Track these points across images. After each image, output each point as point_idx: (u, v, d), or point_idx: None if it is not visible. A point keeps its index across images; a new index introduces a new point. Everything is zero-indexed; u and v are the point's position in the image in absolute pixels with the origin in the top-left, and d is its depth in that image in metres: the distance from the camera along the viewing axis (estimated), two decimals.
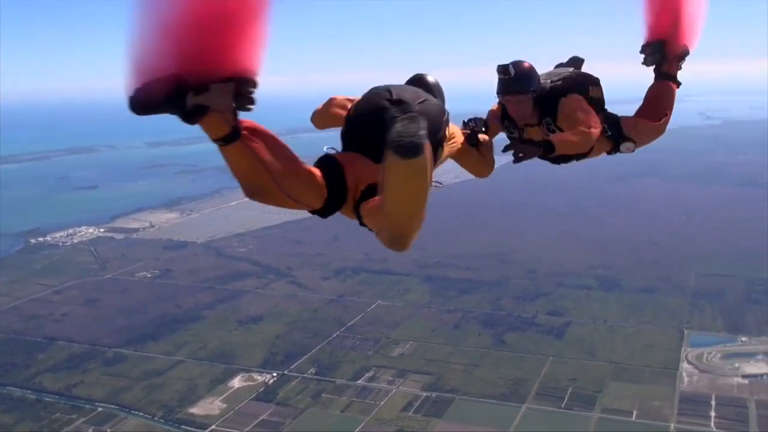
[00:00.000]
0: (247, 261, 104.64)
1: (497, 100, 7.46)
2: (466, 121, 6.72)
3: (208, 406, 61.75)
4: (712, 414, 58.40)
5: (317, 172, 4.89)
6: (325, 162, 5.06)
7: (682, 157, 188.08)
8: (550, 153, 6.56)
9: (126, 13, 3.42)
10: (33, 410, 61.74)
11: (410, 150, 3.93)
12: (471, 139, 6.33)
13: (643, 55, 7.80)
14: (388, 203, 4.38)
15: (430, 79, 5.82)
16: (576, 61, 8.03)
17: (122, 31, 3.48)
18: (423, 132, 4.00)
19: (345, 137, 5.40)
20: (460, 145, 6.08)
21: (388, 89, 5.23)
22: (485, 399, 61.68)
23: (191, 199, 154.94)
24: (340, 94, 6.03)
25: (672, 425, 56.72)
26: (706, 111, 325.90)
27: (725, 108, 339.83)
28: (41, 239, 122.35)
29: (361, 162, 5.10)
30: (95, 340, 76.09)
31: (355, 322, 79.46)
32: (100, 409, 61.86)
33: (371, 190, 4.92)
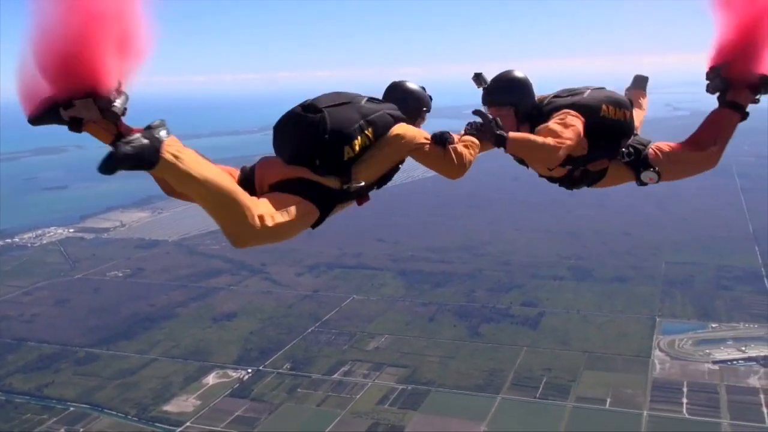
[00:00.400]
0: (220, 258, 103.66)
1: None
2: (469, 123, 6.37)
3: (183, 404, 61.19)
4: (684, 400, 59.08)
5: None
6: (247, 169, 5.60)
7: None
8: (500, 145, 6.02)
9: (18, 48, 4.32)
10: (3, 411, 60.73)
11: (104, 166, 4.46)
12: (436, 138, 6.09)
13: (707, 81, 6.92)
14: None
15: (409, 85, 6.26)
16: (639, 80, 7.71)
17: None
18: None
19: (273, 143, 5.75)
20: (420, 146, 6.03)
21: (317, 97, 5.62)
22: (461, 390, 61.85)
23: (162, 198, 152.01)
24: None
25: (645, 412, 57.30)
26: (673, 102, 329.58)
27: (693, 99, 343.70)
28: (9, 241, 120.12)
29: (272, 164, 5.48)
30: (66, 340, 75.01)
31: (330, 317, 79.27)
32: (72, 408, 61.03)
33: (272, 188, 5.31)
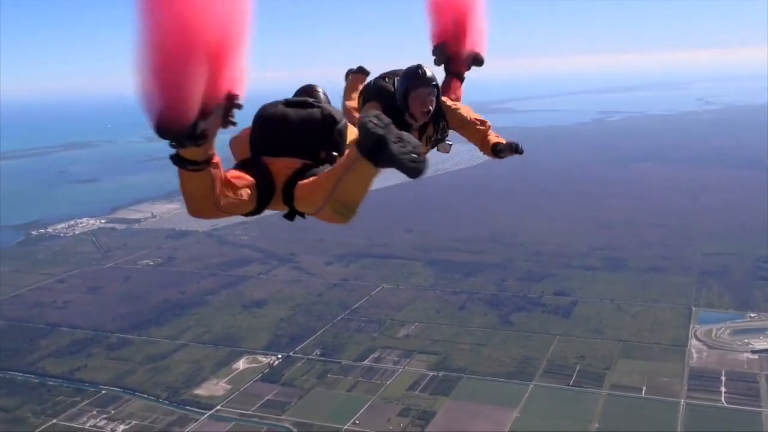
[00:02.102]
0: (249, 248, 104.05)
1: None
2: None
3: (213, 388, 61.26)
4: (723, 389, 57.75)
5: (246, 178, 5.30)
6: (252, 163, 5.55)
7: (682, 142, 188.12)
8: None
9: (132, 46, 3.93)
10: (36, 393, 61.35)
11: (413, 171, 4.66)
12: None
13: (434, 56, 8.37)
14: (347, 188, 4.95)
15: (319, 89, 6.55)
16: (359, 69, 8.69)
17: (127, 56, 3.95)
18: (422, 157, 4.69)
19: (253, 142, 5.79)
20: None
21: (281, 101, 5.85)
22: (493, 377, 61.19)
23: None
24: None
25: (682, 401, 56.12)
26: (705, 97, 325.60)
27: (724, 94, 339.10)
28: (42, 231, 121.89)
29: (274, 159, 5.55)
30: (98, 326, 75.60)
31: (360, 305, 78.92)
32: (103, 391, 61.42)
33: (292, 181, 5.42)
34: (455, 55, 8.35)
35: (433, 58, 8.34)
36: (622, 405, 55.74)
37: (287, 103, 5.75)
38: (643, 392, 57.53)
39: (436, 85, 7.31)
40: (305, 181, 5.32)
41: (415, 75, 7.20)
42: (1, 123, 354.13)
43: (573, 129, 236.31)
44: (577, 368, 61.89)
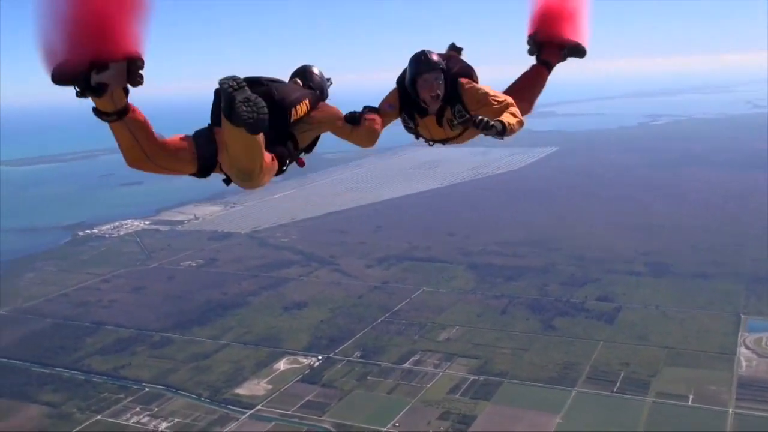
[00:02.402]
0: (290, 250, 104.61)
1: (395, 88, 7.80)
2: (364, 107, 7.60)
3: (254, 387, 61.57)
4: None
5: (184, 144, 5.91)
6: (202, 133, 6.11)
7: (730, 145, 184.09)
8: (504, 132, 6.92)
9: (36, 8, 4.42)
10: (82, 390, 62.38)
11: (250, 126, 5.09)
12: (349, 118, 7.25)
13: (529, 45, 8.48)
14: (231, 152, 5.56)
15: (315, 70, 7.28)
16: (455, 48, 8.23)
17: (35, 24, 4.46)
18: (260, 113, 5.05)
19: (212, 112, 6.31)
20: (334, 120, 7.09)
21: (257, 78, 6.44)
22: (535, 382, 60.33)
23: (234, 193, 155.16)
24: None
25: (730, 410, 54.62)
26: (753, 100, 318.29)
27: None
28: (88, 232, 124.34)
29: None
30: (142, 324, 76.67)
31: (400, 308, 78.67)
32: (147, 389, 62.19)
33: None
34: (547, 44, 8.40)
35: (527, 48, 8.46)
36: (668, 413, 54.48)
37: (248, 80, 5.93)
38: (690, 400, 56.13)
39: (443, 69, 7.41)
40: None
41: (419, 60, 7.38)
42: (50, 127, 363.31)
43: (617, 133, 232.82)
44: (622, 375, 60.71)
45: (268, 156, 5.93)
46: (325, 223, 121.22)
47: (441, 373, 62.88)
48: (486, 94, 7.44)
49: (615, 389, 58.44)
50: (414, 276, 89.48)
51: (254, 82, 6.14)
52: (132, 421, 57.31)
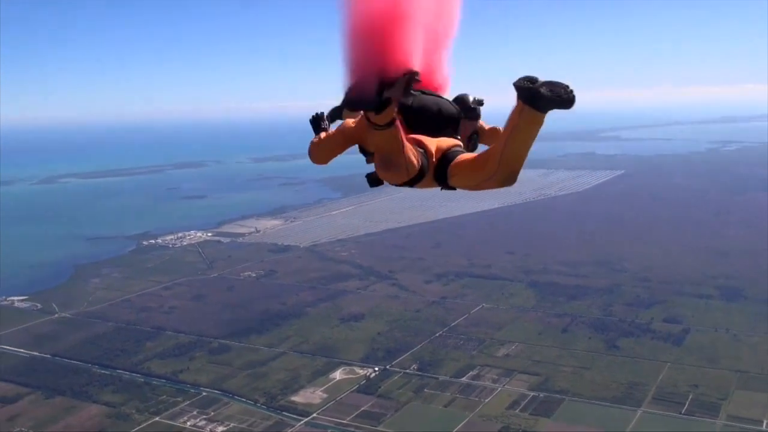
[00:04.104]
0: (348, 264, 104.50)
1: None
2: None
3: (310, 395, 61.16)
4: None
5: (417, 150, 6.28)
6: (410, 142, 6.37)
7: None
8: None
9: (337, 37, 5.17)
10: (141, 392, 63.05)
11: (565, 104, 5.22)
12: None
13: None
14: (513, 149, 5.65)
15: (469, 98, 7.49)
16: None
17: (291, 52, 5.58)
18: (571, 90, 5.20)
19: (405, 125, 6.49)
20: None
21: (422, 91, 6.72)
22: (597, 401, 58.30)
23: (294, 208, 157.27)
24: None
25: None
26: None
27: None
28: (152, 241, 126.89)
29: (428, 140, 6.45)
30: (201, 331, 77.34)
31: (459, 323, 77.42)
32: (204, 393, 62.48)
33: (444, 159, 6.35)
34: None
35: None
36: None
37: (424, 92, 6.63)
38: (765, 425, 53.44)
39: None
40: (462, 159, 6.30)
41: (466, 107, 7.76)
42: (123, 143, 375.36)
43: (685, 157, 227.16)
44: (690, 397, 58.27)
45: None
46: (384, 239, 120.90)
47: (500, 389, 61.38)
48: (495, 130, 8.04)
49: (683, 411, 56.06)
50: (473, 292, 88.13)
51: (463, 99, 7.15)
52: (189, 423, 57.57)
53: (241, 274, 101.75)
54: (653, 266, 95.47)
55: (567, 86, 5.26)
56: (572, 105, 5.31)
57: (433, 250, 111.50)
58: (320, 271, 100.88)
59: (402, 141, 5.85)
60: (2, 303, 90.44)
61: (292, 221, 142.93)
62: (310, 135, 7.18)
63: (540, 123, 5.45)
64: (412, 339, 73.30)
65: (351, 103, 5.42)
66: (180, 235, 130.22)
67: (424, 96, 6.71)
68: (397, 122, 5.66)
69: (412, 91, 6.00)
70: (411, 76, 5.50)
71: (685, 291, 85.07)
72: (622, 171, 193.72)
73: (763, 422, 53.84)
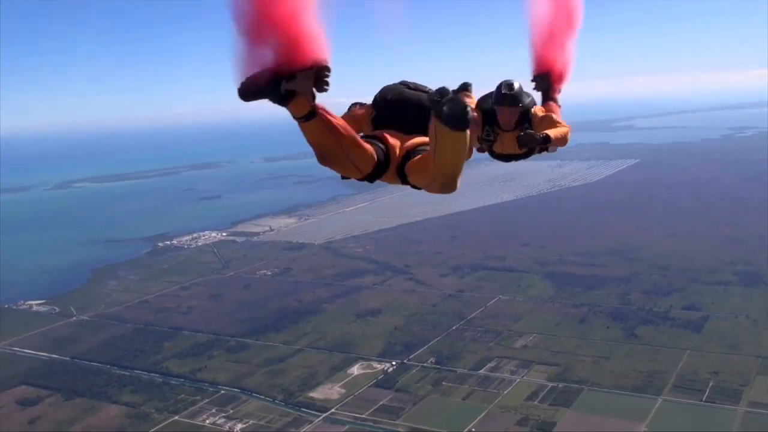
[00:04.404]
0: (364, 260, 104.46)
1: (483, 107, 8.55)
2: None
3: (328, 391, 61.17)
4: None
5: (368, 144, 5.97)
6: (372, 137, 6.20)
7: None
8: (547, 142, 7.81)
9: (228, 26, 4.72)
10: (159, 391, 63.35)
11: (460, 124, 4.93)
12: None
13: (534, 83, 9.36)
14: (441, 159, 5.38)
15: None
16: (466, 86, 8.57)
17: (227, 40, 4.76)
18: (468, 110, 4.89)
19: (376, 120, 6.57)
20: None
21: (405, 83, 6.67)
22: (617, 390, 57.90)
23: (308, 206, 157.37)
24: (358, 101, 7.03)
25: None
26: None
27: None
28: (168, 242, 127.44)
29: (396, 135, 6.27)
30: (219, 330, 77.56)
31: (475, 316, 77.17)
32: (222, 391, 62.68)
33: (407, 156, 6.12)
34: (552, 83, 9.48)
35: (533, 84, 9.38)
36: (762, 422, 51.39)
37: (407, 86, 6.52)
38: None
39: (519, 104, 8.28)
40: (416, 159, 6.05)
41: (503, 95, 8.22)
42: (135, 147, 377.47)
43: (700, 145, 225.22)
44: (711, 384, 57.72)
45: None
46: (399, 234, 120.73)
47: (518, 380, 61.14)
48: (549, 122, 8.34)
49: (704, 398, 55.59)
50: (489, 285, 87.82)
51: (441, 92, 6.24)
52: (208, 422, 57.78)
53: (257, 272, 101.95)
54: (670, 254, 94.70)
55: (465, 107, 4.94)
56: (466, 126, 5.02)
57: (448, 243, 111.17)
58: (335, 268, 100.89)
59: (339, 134, 5.50)
60: (21, 307, 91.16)
61: (306, 219, 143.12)
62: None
63: (456, 137, 5.13)
64: (429, 333, 73.15)
65: (241, 92, 4.98)
66: (195, 235, 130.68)
67: (407, 91, 6.54)
68: (325, 115, 5.35)
69: (390, 96, 5.99)
70: (318, 70, 5.05)
71: (703, 278, 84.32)
72: (637, 160, 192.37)
73: None
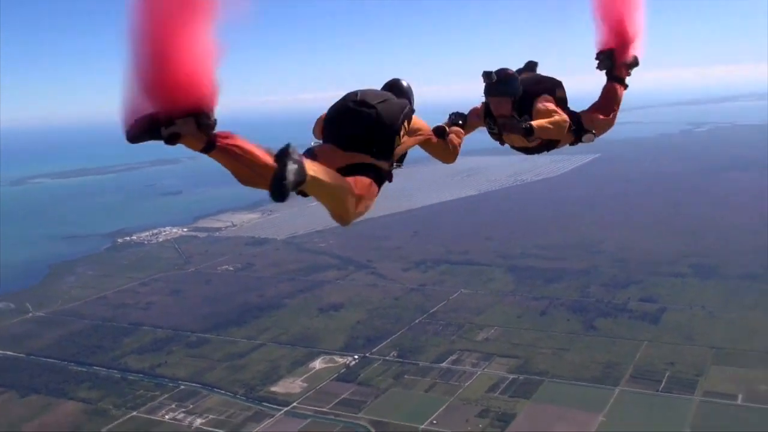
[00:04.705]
0: (327, 255, 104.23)
1: (482, 100, 8.20)
2: (450, 114, 8.13)
3: (290, 385, 60.97)
4: None
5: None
6: (306, 153, 6.04)
7: None
8: (529, 134, 7.47)
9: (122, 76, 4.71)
10: (118, 387, 62.53)
11: (276, 196, 4.91)
12: (438, 132, 7.18)
13: (597, 61, 8.80)
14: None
15: (403, 83, 6.95)
16: (531, 65, 8.89)
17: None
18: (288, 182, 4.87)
19: (324, 132, 6.44)
20: (427, 136, 6.94)
21: (356, 93, 6.34)
22: (576, 381, 58.64)
23: (271, 201, 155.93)
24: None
25: None
26: None
27: None
28: (127, 238, 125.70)
29: (331, 150, 6.04)
30: (179, 325, 76.78)
31: (438, 309, 77.53)
32: (182, 387, 62.05)
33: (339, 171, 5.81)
34: (619, 61, 8.82)
35: (597, 62, 8.82)
36: (717, 412, 52.44)
37: (355, 101, 6.22)
38: (740, 399, 54.03)
39: (509, 94, 7.90)
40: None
41: (487, 84, 7.89)
42: (94, 142, 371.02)
43: (658, 140, 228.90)
44: (667, 374, 58.74)
45: (365, 183, 5.94)
46: (362, 229, 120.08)
47: (479, 372, 61.58)
48: (550, 112, 7.91)
49: (660, 388, 56.54)
50: (451, 279, 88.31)
51: (364, 104, 6.20)
52: (167, 417, 57.20)
53: (219, 268, 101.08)
54: (630, 247, 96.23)
55: (282, 181, 4.93)
56: (281, 199, 5.00)
57: (411, 238, 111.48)
58: (298, 263, 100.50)
59: (246, 160, 5.34)
60: None
61: (269, 214, 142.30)
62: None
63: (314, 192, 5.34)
64: (392, 326, 73.28)
65: (128, 136, 4.92)
66: (155, 231, 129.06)
67: (347, 105, 6.22)
68: (227, 145, 5.21)
69: (329, 111, 5.97)
70: (197, 117, 4.91)
71: (661, 270, 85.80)
72: (598, 155, 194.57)
73: (738, 396, 54.37)
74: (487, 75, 7.81)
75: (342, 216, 5.69)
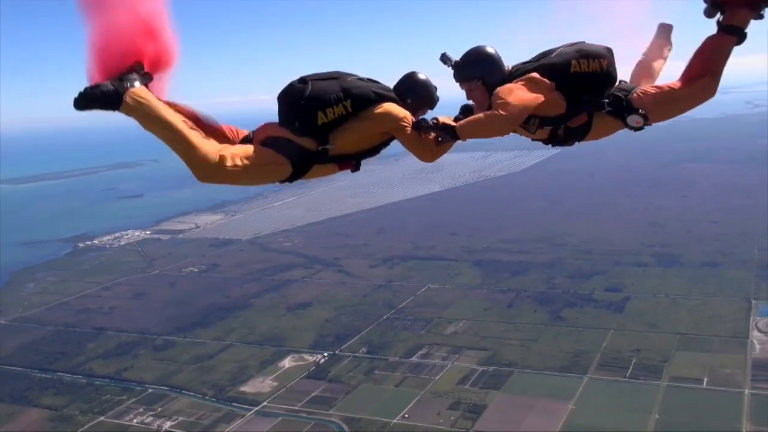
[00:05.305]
0: (293, 254, 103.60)
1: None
2: (462, 106, 6.97)
3: (259, 385, 60.42)
4: None
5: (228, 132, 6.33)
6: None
7: (732, 144, 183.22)
8: (452, 138, 6.43)
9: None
10: (83, 393, 61.36)
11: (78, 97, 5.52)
12: (414, 124, 6.48)
13: (706, 13, 6.76)
14: None
15: (420, 76, 6.66)
16: (663, 29, 7.65)
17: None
18: None
19: None
20: (400, 126, 6.42)
21: (302, 77, 6.34)
22: (545, 371, 59.16)
23: (234, 202, 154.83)
24: None
25: (746, 391, 53.36)
26: (753, 100, 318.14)
27: None
28: (88, 243, 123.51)
29: (268, 125, 6.33)
30: (144, 329, 75.58)
31: (406, 305, 77.56)
32: (150, 390, 61.09)
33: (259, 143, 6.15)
34: (727, 7, 6.63)
35: (705, 7, 6.75)
36: (682, 396, 53.29)
37: (301, 77, 6.30)
38: (705, 383, 55.02)
39: (458, 80, 6.88)
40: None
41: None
42: (50, 148, 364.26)
43: (620, 134, 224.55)
44: (633, 361, 59.56)
45: (256, 151, 5.96)
46: (328, 228, 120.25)
47: (449, 365, 61.75)
48: (494, 103, 6.42)
49: (627, 375, 57.35)
50: (419, 274, 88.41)
51: (301, 80, 6.25)
52: (135, 421, 56.26)
53: (183, 270, 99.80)
54: (593, 239, 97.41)
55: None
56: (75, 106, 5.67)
57: (377, 235, 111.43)
58: (264, 263, 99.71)
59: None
60: None
61: (232, 215, 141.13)
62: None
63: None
64: (361, 323, 73.12)
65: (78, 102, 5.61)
66: (117, 235, 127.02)
67: (294, 85, 6.23)
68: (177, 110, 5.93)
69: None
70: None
71: (624, 260, 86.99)
72: (560, 149, 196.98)
73: (703, 380, 55.37)
74: (441, 58, 6.80)
75: (194, 168, 5.66)
